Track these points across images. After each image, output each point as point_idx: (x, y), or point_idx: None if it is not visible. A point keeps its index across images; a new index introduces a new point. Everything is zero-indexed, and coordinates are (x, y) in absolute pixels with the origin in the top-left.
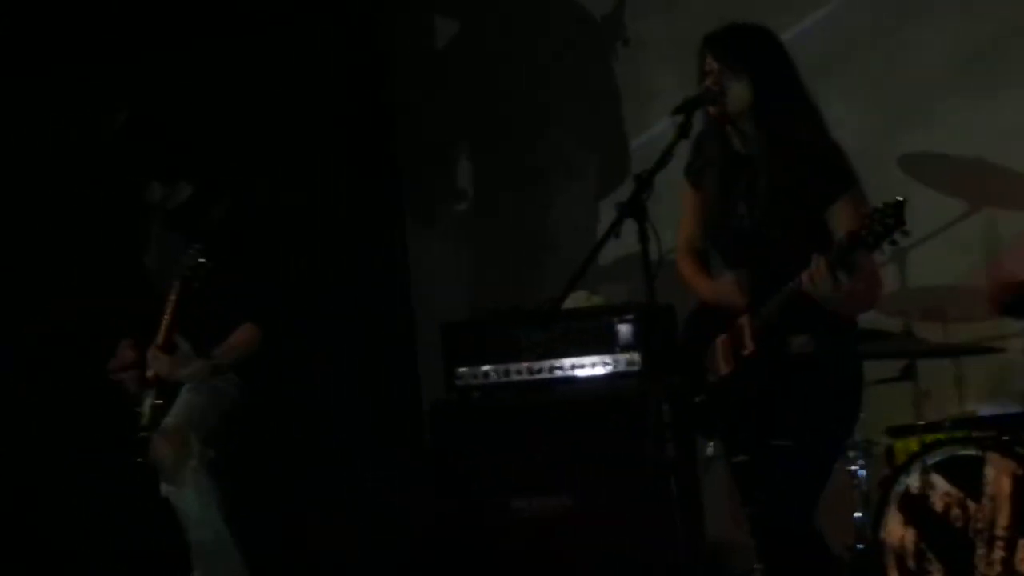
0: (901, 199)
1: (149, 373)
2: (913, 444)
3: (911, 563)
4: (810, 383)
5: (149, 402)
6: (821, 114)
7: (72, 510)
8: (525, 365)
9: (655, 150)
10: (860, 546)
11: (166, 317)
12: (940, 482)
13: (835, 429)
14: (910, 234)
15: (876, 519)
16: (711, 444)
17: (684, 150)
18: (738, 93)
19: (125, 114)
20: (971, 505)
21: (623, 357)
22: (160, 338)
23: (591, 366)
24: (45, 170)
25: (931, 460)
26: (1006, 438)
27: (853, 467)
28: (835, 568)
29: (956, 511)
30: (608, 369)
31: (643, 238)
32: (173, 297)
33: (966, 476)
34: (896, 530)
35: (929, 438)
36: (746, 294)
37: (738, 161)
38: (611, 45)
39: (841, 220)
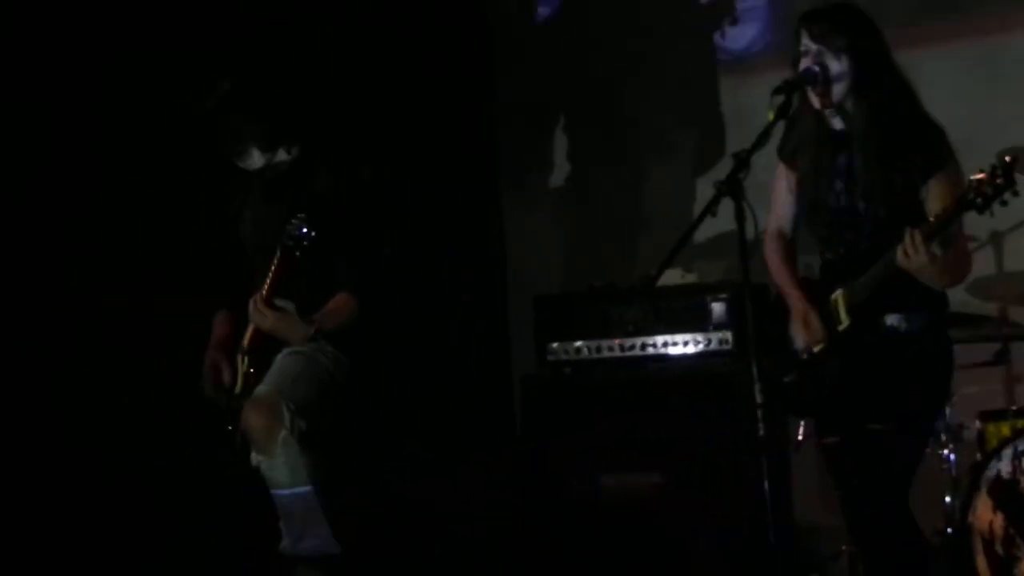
0: (1010, 159)
1: (248, 332)
2: (1005, 429)
3: (999, 548)
4: (904, 364)
5: (242, 370)
6: (915, 90)
7: (165, 478)
8: (617, 342)
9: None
10: (949, 530)
11: (269, 277)
12: None
13: (928, 411)
14: (1019, 195)
15: (965, 503)
16: (801, 429)
17: (782, 130)
18: (838, 72)
19: (228, 82)
20: None
21: (716, 336)
22: (264, 292)
23: (683, 344)
24: (150, 138)
25: (1023, 445)
26: None
27: (944, 451)
28: (928, 552)
29: None
30: (700, 348)
31: (739, 217)
32: (275, 264)
33: None
34: (985, 515)
35: (1021, 423)
36: (819, 338)
37: (835, 139)
38: (719, 24)
39: (936, 196)
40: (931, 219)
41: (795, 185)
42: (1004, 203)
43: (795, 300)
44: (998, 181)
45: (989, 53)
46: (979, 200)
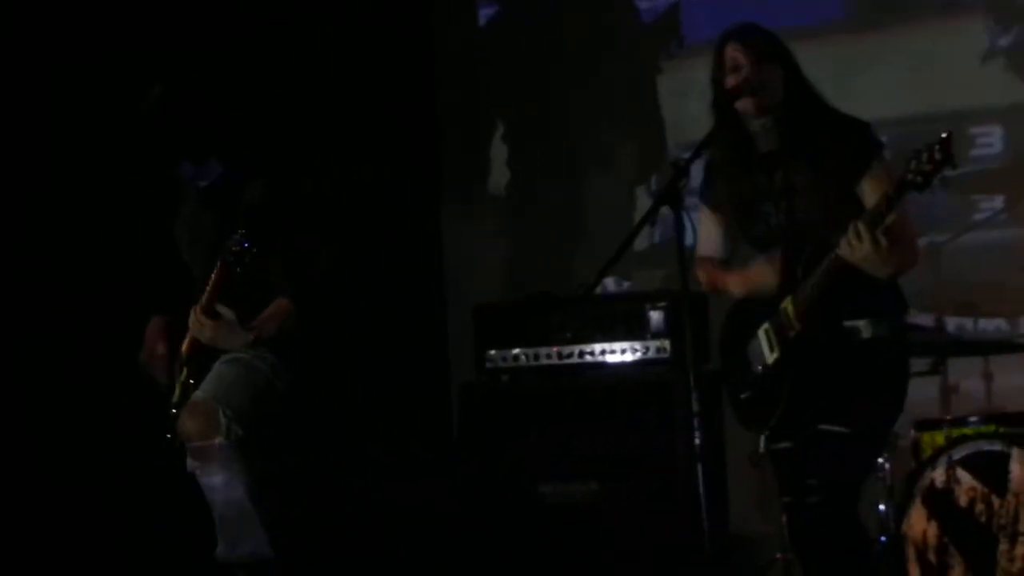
0: (947, 133)
1: (186, 341)
2: (939, 438)
3: (932, 557)
4: (869, 368)
5: (180, 379)
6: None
7: (102, 485)
8: (555, 349)
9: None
10: (883, 539)
11: (209, 286)
12: (965, 477)
13: (889, 417)
14: (958, 167)
15: (899, 512)
16: (763, 439)
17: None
18: (775, 81)
19: (160, 89)
20: (995, 500)
21: (653, 344)
22: (204, 302)
23: (621, 352)
24: (84, 146)
25: (957, 455)
26: None
27: (879, 459)
28: (874, 558)
29: (980, 506)
30: (638, 356)
31: (678, 226)
32: (214, 277)
33: (991, 471)
34: (919, 524)
35: (955, 433)
36: (780, 274)
37: (765, 161)
38: (665, 44)
39: (873, 189)
40: (873, 207)
41: (723, 222)
42: (944, 180)
43: (747, 273)
44: (936, 157)
45: None
46: (919, 179)
